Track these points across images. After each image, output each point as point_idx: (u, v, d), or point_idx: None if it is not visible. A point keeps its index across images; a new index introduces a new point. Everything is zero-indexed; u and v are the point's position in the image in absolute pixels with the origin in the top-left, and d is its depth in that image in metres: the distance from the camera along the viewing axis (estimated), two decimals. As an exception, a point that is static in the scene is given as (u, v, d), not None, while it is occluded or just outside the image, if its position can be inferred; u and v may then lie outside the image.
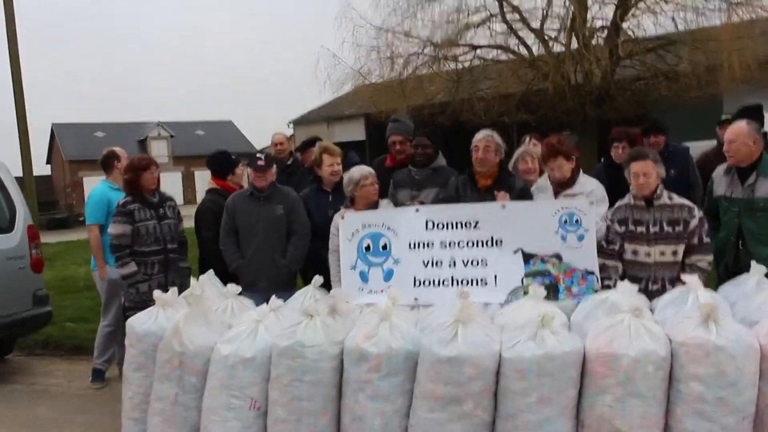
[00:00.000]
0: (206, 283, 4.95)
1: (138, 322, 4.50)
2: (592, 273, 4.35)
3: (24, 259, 6.71)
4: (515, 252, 4.48)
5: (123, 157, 6.20)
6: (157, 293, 4.56)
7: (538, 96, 18.19)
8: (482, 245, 4.54)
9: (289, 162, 6.73)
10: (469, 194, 4.76)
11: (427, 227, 4.66)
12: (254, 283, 5.29)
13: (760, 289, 3.93)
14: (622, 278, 4.46)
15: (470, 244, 4.56)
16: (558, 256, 4.40)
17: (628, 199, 4.52)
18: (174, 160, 45.87)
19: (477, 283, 4.49)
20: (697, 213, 4.40)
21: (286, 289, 5.11)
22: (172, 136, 46.93)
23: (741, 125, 4.58)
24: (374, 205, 4.99)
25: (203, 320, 4.29)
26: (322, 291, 4.97)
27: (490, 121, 19.53)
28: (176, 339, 4.17)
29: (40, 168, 43.57)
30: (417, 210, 4.74)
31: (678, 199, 4.45)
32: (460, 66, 18.50)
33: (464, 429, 3.46)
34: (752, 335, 3.32)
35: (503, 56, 17.94)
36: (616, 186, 4.96)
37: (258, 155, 5.43)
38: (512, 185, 4.74)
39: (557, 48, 17.40)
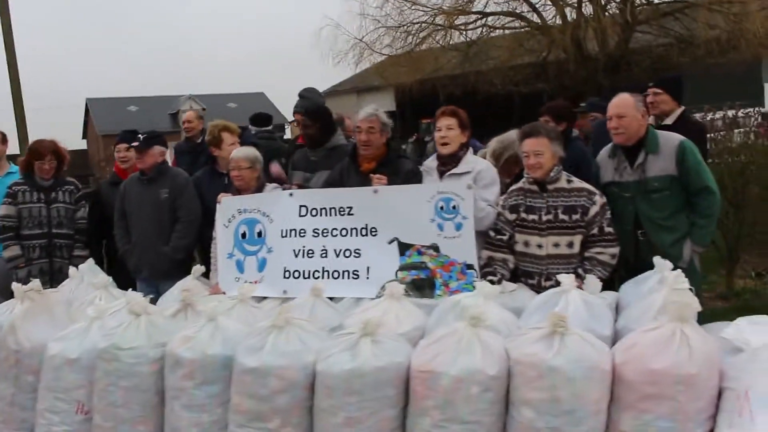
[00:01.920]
0: (86, 273, 4.63)
1: (9, 315, 4.16)
2: (471, 267, 3.82)
3: None
4: (390, 242, 3.99)
5: None
6: (15, 285, 4.19)
7: (552, 65, 17.38)
8: (356, 234, 4.06)
9: (198, 141, 6.27)
10: (352, 178, 4.24)
11: (300, 213, 4.20)
12: (138, 271, 4.98)
13: (660, 289, 3.33)
14: (513, 273, 3.94)
15: (344, 232, 4.09)
16: (435, 247, 3.90)
17: (522, 183, 3.94)
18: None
19: (348, 276, 4.03)
20: (599, 199, 3.82)
21: (171, 279, 4.69)
22: (204, 109, 47.02)
23: (626, 97, 4.00)
24: (258, 191, 4.52)
25: (47, 316, 3.94)
26: (202, 281, 4.59)
27: (504, 90, 18.86)
28: (12, 336, 3.84)
29: (77, 142, 44.45)
30: (291, 194, 4.28)
31: (578, 183, 3.87)
32: (469, 36, 17.79)
33: (273, 448, 3.01)
34: (603, 355, 2.76)
35: (515, 23, 17.14)
36: None
37: (139, 135, 5.00)
38: (399, 168, 4.21)
39: (570, 14, 16.53)
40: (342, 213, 4.09)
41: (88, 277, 4.55)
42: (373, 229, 4.03)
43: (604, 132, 5.27)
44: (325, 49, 18.34)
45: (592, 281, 3.53)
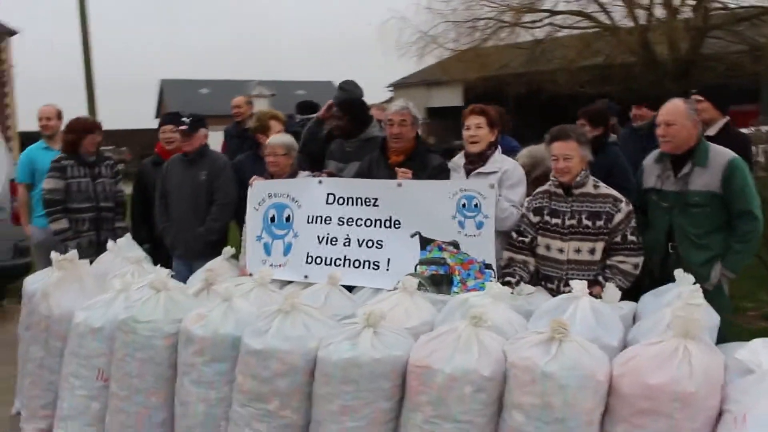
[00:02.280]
0: (123, 247, 4.81)
1: (30, 281, 4.41)
2: (490, 266, 3.80)
3: (4, 212, 6.85)
4: (413, 235, 4.00)
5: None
6: (54, 255, 4.40)
7: (619, 68, 16.91)
8: (380, 225, 4.09)
9: (246, 126, 6.40)
10: (380, 170, 4.27)
11: (328, 201, 4.26)
12: (174, 248, 5.14)
13: (676, 303, 3.23)
14: (534, 276, 3.89)
15: (368, 222, 4.12)
16: (456, 244, 3.90)
17: (548, 186, 3.88)
18: (274, 119, 46.88)
19: (369, 266, 4.07)
20: (624, 207, 3.72)
21: (204, 258, 4.83)
22: (272, 95, 47.83)
23: (678, 104, 3.80)
24: (292, 177, 4.60)
25: (78, 285, 4.13)
26: (232, 262, 4.71)
27: (571, 91, 18.49)
28: (44, 303, 4.07)
29: (149, 122, 45.84)
30: (320, 182, 4.33)
31: (604, 189, 3.78)
32: (535, 35, 17.48)
33: (271, 429, 3.10)
34: (601, 365, 2.70)
35: (582, 23, 16.76)
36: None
37: (183, 119, 5.14)
38: (426, 163, 4.21)
39: (641, 16, 16.03)
40: (368, 204, 4.13)
41: (123, 251, 4.73)
42: (396, 222, 4.05)
43: (630, 139, 5.16)
44: (390, 42, 18.33)
45: (611, 290, 3.48)
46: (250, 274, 4.39)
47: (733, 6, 14.44)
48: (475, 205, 3.81)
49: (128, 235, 4.96)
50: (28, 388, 4.13)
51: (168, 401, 3.55)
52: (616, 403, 2.67)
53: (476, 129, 4.04)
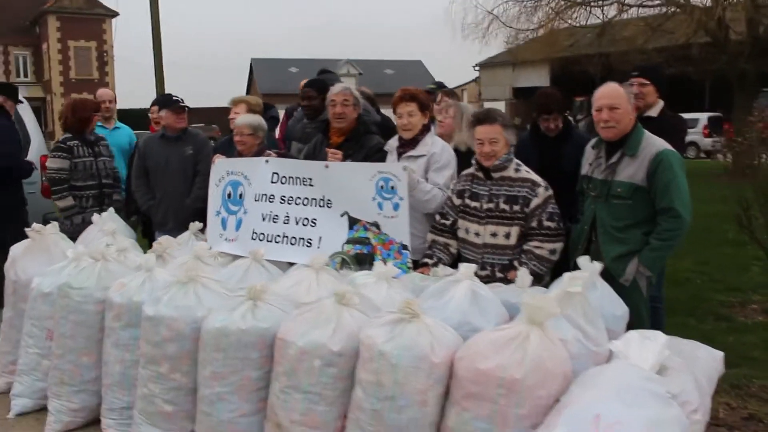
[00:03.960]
0: (107, 219, 5.15)
1: (15, 250, 4.79)
2: (406, 247, 3.84)
3: (35, 185, 7.36)
4: (342, 215, 4.10)
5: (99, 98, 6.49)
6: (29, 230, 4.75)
7: (695, 47, 16.06)
8: (315, 204, 4.23)
9: None
10: (322, 151, 4.38)
11: (272, 180, 4.41)
12: (164, 224, 5.42)
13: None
14: (457, 259, 3.90)
15: (305, 201, 4.26)
16: (377, 225, 3.96)
17: (472, 168, 3.87)
18: (361, 98, 47.42)
19: (303, 243, 4.21)
20: (542, 191, 3.66)
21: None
22: (360, 74, 48.30)
23: (617, 87, 3.61)
24: (258, 155, 4.78)
25: (45, 254, 4.47)
26: (200, 236, 4.96)
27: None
28: (12, 269, 4.44)
29: (241, 100, 47.45)
30: (267, 161, 4.48)
31: (524, 173, 3.73)
32: (605, 14, 16.84)
33: (162, 390, 3.34)
34: (442, 347, 2.72)
35: (651, 2, 16.00)
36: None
37: (175, 98, 5.41)
38: (364, 144, 4.28)
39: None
40: (305, 183, 4.25)
41: (104, 223, 5.06)
42: (329, 202, 4.16)
43: None
44: (457, 23, 18.17)
45: (524, 274, 3.44)
46: (210, 248, 4.64)
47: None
48: (392, 188, 3.86)
49: (111, 209, 5.29)
50: (2, 344, 4.55)
51: (98, 361, 3.84)
52: (452, 386, 2.68)
53: (408, 117, 4.07)
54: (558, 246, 3.68)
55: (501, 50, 20.40)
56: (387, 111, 5.23)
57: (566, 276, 3.04)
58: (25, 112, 7.51)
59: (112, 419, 3.67)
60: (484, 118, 3.76)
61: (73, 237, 4.98)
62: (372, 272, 3.38)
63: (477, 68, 40.99)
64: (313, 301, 3.11)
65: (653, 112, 4.20)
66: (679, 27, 15.59)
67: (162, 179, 5.42)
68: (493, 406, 2.54)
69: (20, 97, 6.62)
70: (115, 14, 40.85)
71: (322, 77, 5.51)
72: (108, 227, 4.90)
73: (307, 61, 48.83)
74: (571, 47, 17.70)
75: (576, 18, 16.54)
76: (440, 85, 5.58)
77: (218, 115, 38.48)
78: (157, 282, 3.64)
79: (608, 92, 3.63)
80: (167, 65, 15.78)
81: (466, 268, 3.22)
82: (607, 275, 3.52)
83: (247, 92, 52.14)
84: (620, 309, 3.36)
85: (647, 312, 3.60)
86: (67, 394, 3.84)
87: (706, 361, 3.31)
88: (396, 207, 3.86)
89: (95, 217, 5.16)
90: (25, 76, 41.73)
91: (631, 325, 3.46)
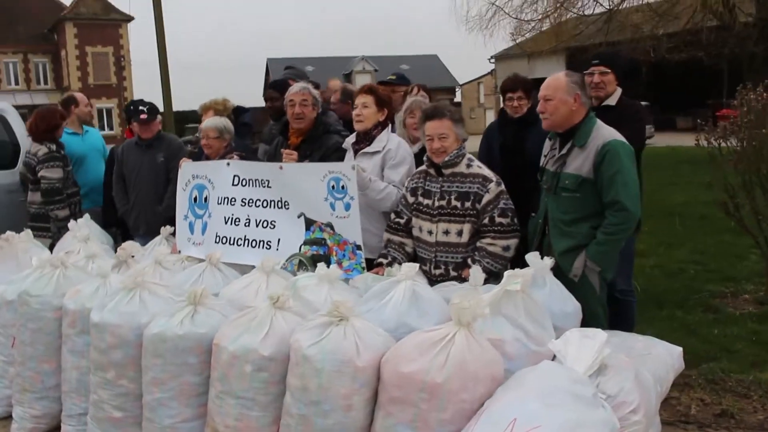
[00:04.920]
0: (83, 226, 5.18)
1: None
2: (360, 247, 3.80)
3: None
4: (299, 216, 4.07)
5: (82, 102, 6.49)
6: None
7: (707, 32, 15.73)
8: (273, 206, 4.21)
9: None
10: (281, 153, 4.34)
11: (233, 182, 4.40)
12: (136, 229, 5.46)
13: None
14: (413, 258, 3.85)
15: (265, 203, 4.24)
16: (331, 226, 3.91)
17: (425, 165, 3.81)
18: (376, 94, 47.37)
19: (263, 246, 4.19)
20: (494, 187, 3.59)
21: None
22: (376, 70, 48.22)
23: (559, 78, 3.51)
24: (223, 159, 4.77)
25: (14, 261, 4.52)
26: (172, 240, 4.97)
27: (656, 59, 17.53)
28: (-21, 278, 4.47)
29: (258, 100, 47.71)
30: (228, 164, 4.47)
31: (476, 169, 3.66)
32: (611, 2, 16.57)
33: (110, 396, 3.34)
34: (368, 351, 2.67)
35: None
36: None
37: (141, 107, 5.41)
38: (322, 143, 4.24)
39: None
40: (263, 185, 4.23)
41: (77, 231, 5.08)
42: (286, 203, 4.13)
43: None
44: (461, 15, 18.02)
45: (477, 272, 3.38)
46: (179, 251, 4.66)
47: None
48: (342, 187, 3.81)
49: (87, 215, 5.32)
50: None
51: (59, 368, 3.84)
52: (380, 389, 2.65)
53: (362, 108, 4.02)
54: (512, 242, 3.61)
55: (507, 42, 20.12)
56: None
57: (506, 274, 2.98)
58: (13, 118, 7.54)
59: (71, 426, 3.69)
60: (432, 113, 3.69)
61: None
62: (314, 274, 3.34)
63: (492, 60, 40.69)
64: (250, 305, 3.08)
65: (611, 101, 4.10)
66: (687, 11, 15.30)
67: (135, 185, 5.45)
68: (415, 410, 2.49)
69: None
70: (130, 19, 41.26)
71: (286, 73, 5.46)
72: (81, 234, 4.94)
73: (322, 59, 48.95)
74: (578, 36, 17.42)
75: (581, 8, 16.29)
76: (400, 77, 5.50)
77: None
78: (111, 288, 3.64)
79: (545, 83, 3.56)
80: (186, 68, 16.21)
81: (408, 268, 3.17)
82: (560, 271, 3.46)
83: (264, 92, 52.41)
84: (571, 306, 3.29)
85: (602, 308, 3.51)
86: (29, 401, 3.87)
87: (660, 358, 3.25)
88: (347, 207, 3.82)
89: (71, 223, 5.19)
90: (45, 83, 42.51)
91: (585, 322, 3.42)
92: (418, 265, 3.23)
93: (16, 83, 41.79)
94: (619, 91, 4.13)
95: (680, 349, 3.38)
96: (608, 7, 15.81)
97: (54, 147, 5.71)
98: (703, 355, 4.57)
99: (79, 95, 6.64)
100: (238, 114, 5.74)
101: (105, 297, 3.53)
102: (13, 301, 4.07)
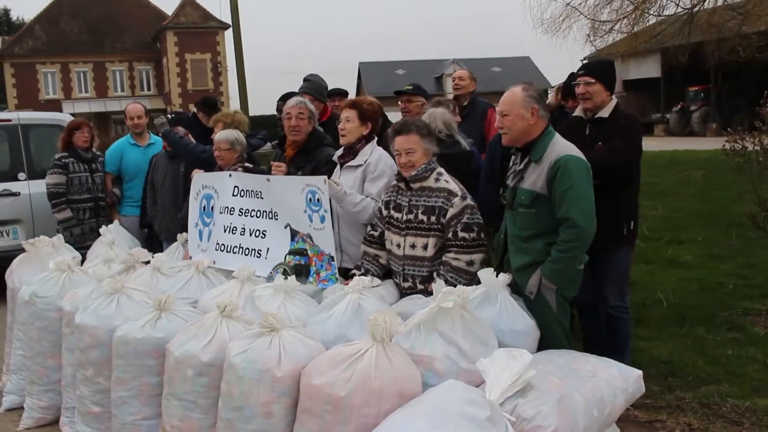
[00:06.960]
0: (111, 231, 5.57)
1: (15, 260, 5.24)
2: (333, 258, 3.92)
3: None
4: (285, 227, 4.23)
5: (127, 115, 6.80)
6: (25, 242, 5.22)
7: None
8: (264, 216, 4.38)
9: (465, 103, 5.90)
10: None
11: (233, 193, 4.61)
12: (160, 233, 5.79)
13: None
14: (387, 270, 3.93)
15: (258, 214, 4.43)
16: (310, 237, 4.04)
17: (395, 179, 3.87)
18: (469, 96, 47.14)
19: (254, 254, 4.38)
20: (458, 201, 3.60)
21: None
22: (467, 73, 47.81)
23: (516, 92, 3.44)
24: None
25: (39, 264, 4.92)
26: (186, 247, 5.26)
27: (746, 59, 16.69)
28: (10, 277, 4.92)
29: (351, 102, 48.64)
30: (230, 175, 4.68)
31: (443, 183, 3.68)
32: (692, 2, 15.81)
33: (90, 392, 3.63)
34: (289, 361, 2.78)
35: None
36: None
37: (168, 115, 5.74)
38: (314, 156, 4.38)
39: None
40: (257, 196, 4.41)
41: (112, 235, 5.47)
42: (275, 214, 4.30)
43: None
44: (536, 15, 17.69)
45: (440, 286, 3.42)
46: (191, 257, 4.93)
47: None
48: (318, 200, 3.93)
49: (116, 222, 5.73)
50: (4, 346, 5.06)
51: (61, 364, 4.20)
52: (298, 399, 2.75)
53: (345, 122, 4.13)
54: (476, 257, 3.60)
55: (581, 44, 19.53)
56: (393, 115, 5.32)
57: (443, 290, 3.00)
58: None
59: (67, 417, 4.02)
60: (399, 129, 3.75)
61: (76, 247, 5.41)
62: (270, 284, 3.48)
63: (584, 62, 39.56)
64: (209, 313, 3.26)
65: (604, 113, 3.98)
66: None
67: (160, 193, 5.79)
68: (321, 422, 2.58)
69: None
70: (227, 26, 42.93)
71: (303, 86, 5.60)
72: (106, 239, 5.31)
73: (413, 63, 49.18)
74: (657, 37, 16.75)
75: (659, 8, 15.62)
76: (416, 87, 5.52)
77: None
78: (99, 292, 3.93)
79: (503, 98, 3.52)
80: (279, 75, 16.69)
81: (358, 282, 3.26)
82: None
83: (357, 94, 53.25)
84: (522, 323, 3.27)
85: (561, 327, 3.44)
86: (37, 393, 4.23)
87: (608, 381, 3.14)
88: (322, 219, 3.94)
89: (102, 228, 5.59)
90: (148, 89, 45.15)
91: (545, 341, 3.38)
92: (368, 278, 3.31)
93: (122, 90, 44.62)
94: (613, 102, 4.01)
95: (639, 372, 3.25)
96: (687, 7, 15.09)
97: (65, 155, 6.20)
98: (705, 378, 4.37)
99: (130, 108, 6.81)
100: (250, 135, 5.92)
101: (89, 300, 3.83)
102: (30, 301, 4.45)
